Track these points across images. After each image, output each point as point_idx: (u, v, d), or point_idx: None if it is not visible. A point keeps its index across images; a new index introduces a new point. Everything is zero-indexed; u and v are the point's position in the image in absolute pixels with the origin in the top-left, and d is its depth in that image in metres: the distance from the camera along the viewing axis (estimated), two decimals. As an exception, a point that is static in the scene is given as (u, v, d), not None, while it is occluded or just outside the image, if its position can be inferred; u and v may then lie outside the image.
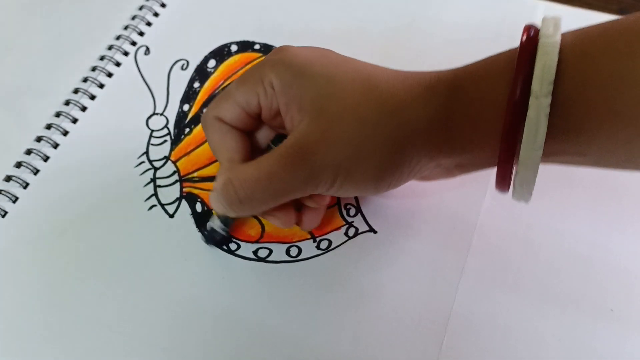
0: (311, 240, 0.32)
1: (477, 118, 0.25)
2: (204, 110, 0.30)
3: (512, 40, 0.38)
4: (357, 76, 0.27)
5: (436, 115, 0.26)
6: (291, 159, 0.26)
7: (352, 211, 0.33)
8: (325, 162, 0.26)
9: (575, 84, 0.23)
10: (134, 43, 0.40)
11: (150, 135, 0.36)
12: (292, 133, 0.27)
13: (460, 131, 0.26)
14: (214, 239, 0.32)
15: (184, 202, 0.34)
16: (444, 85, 0.26)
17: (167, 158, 0.35)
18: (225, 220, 0.31)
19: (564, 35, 0.24)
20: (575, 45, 0.24)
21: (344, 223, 0.32)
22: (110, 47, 0.40)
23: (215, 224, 0.31)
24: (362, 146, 0.26)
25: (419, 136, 0.26)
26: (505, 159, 0.25)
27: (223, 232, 0.31)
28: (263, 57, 0.39)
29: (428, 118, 0.26)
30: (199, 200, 0.34)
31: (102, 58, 0.39)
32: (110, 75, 0.39)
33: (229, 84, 0.30)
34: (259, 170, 0.26)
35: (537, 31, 0.25)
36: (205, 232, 0.32)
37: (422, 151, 0.27)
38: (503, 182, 0.26)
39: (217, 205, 0.28)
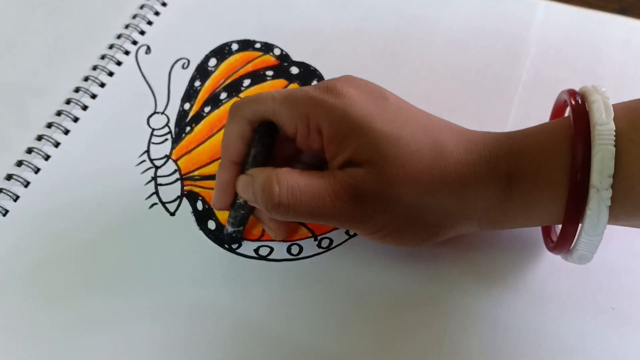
0: (312, 239, 0.32)
1: (534, 204, 0.26)
2: (240, 100, 0.30)
3: (512, 39, 0.38)
4: (424, 140, 0.26)
5: (495, 201, 0.26)
6: (344, 193, 0.26)
7: (353, 210, 0.33)
8: (377, 214, 0.26)
9: (635, 172, 0.23)
10: (135, 42, 0.40)
11: (151, 134, 0.36)
12: (345, 170, 0.26)
13: (517, 216, 0.27)
14: (234, 240, 0.32)
15: (185, 201, 0.34)
16: (502, 165, 0.26)
17: (168, 157, 0.35)
18: (241, 220, 0.31)
19: (615, 118, 0.24)
20: (630, 131, 0.24)
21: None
22: (111, 46, 0.40)
23: (229, 229, 0.31)
24: (419, 213, 0.26)
25: (475, 214, 0.27)
26: (563, 243, 0.26)
27: (239, 235, 0.31)
28: (263, 56, 0.39)
29: (487, 201, 0.26)
30: (199, 198, 0.34)
31: (103, 57, 0.39)
32: (111, 74, 0.39)
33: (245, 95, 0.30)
34: (309, 186, 0.26)
35: (583, 106, 0.25)
36: (225, 239, 0.32)
37: (474, 225, 0.27)
38: (561, 250, 0.27)
39: (246, 192, 0.28)
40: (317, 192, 0.26)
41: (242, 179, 0.28)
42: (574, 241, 0.26)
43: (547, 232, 0.30)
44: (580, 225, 0.25)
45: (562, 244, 0.26)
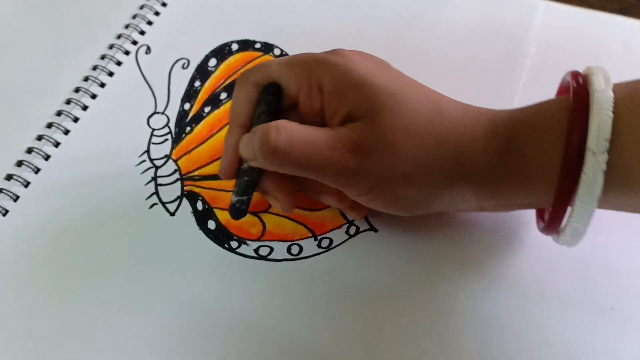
0: (312, 239, 0.32)
1: (531, 170, 0.26)
2: (248, 69, 0.30)
3: (512, 39, 0.38)
4: (422, 96, 0.27)
5: (491, 162, 0.26)
6: (341, 145, 0.26)
7: (353, 210, 0.33)
8: (373, 168, 0.26)
9: (631, 139, 0.23)
10: (135, 42, 0.40)
11: (151, 134, 0.36)
12: (346, 125, 0.26)
13: (513, 180, 0.26)
14: (238, 212, 0.30)
15: (185, 201, 0.34)
16: (501, 132, 0.26)
17: (168, 157, 0.35)
18: (245, 189, 0.29)
19: (614, 90, 0.24)
20: (629, 101, 0.24)
21: (345, 221, 0.32)
22: (111, 46, 0.40)
23: (233, 199, 0.29)
24: (414, 168, 0.26)
25: (471, 175, 0.26)
26: (557, 212, 0.26)
27: (243, 206, 0.29)
28: (263, 56, 0.39)
29: (483, 162, 0.26)
30: (199, 198, 0.34)
31: (103, 57, 0.39)
32: (111, 74, 0.39)
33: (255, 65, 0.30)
34: (308, 136, 0.26)
35: (584, 81, 0.25)
36: (230, 211, 0.30)
37: (470, 189, 0.27)
38: (551, 230, 0.27)
39: (247, 148, 0.28)
40: (315, 142, 0.26)
41: (245, 137, 0.28)
42: (567, 217, 0.26)
43: (540, 214, 0.30)
44: (570, 207, 0.25)
45: (555, 215, 0.26)
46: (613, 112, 0.24)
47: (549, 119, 0.25)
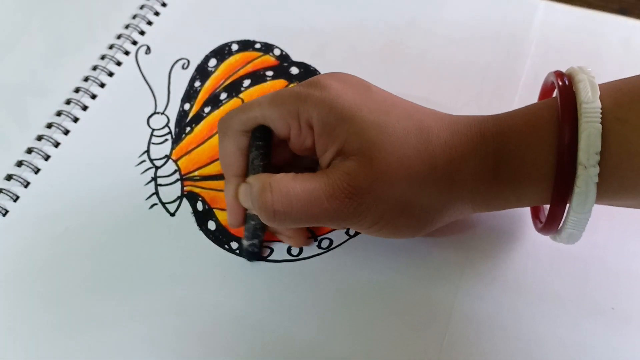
0: (312, 239, 0.32)
1: (523, 183, 0.26)
2: (227, 114, 0.30)
3: (512, 39, 0.38)
4: (409, 125, 0.26)
5: (484, 179, 0.26)
6: (339, 192, 0.26)
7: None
8: (372, 208, 0.26)
9: (621, 149, 0.24)
10: (134, 42, 0.40)
11: (151, 134, 0.36)
12: (336, 167, 0.26)
13: (506, 193, 0.27)
14: (252, 255, 0.31)
15: (185, 201, 0.34)
16: (490, 149, 0.26)
17: (168, 157, 0.35)
18: (253, 233, 0.30)
19: (601, 97, 0.24)
20: (616, 109, 0.24)
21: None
22: (111, 46, 0.40)
23: (244, 243, 0.31)
24: (411, 200, 0.26)
25: (466, 195, 0.27)
26: (552, 219, 0.26)
27: (255, 249, 0.31)
28: (263, 57, 0.39)
29: (477, 182, 0.26)
30: (200, 198, 0.34)
31: (103, 57, 0.39)
32: (111, 74, 0.39)
33: (248, 101, 0.30)
34: (304, 190, 0.26)
35: (570, 85, 0.25)
36: (243, 253, 0.32)
37: (466, 205, 0.27)
38: (548, 232, 0.27)
39: (246, 200, 0.28)
40: (313, 196, 0.26)
41: (242, 188, 0.29)
42: (562, 220, 0.26)
43: (535, 213, 0.30)
44: (568, 205, 0.25)
45: (550, 222, 0.26)
46: (601, 124, 0.24)
47: (538, 130, 0.25)
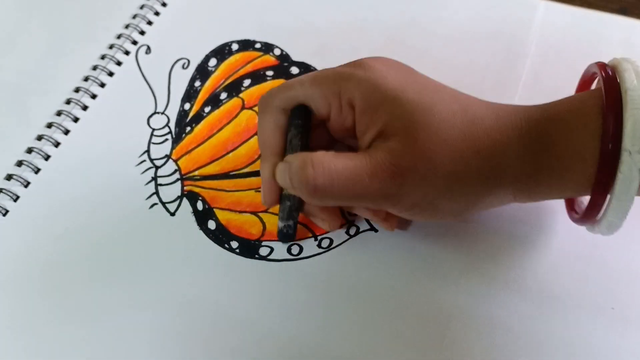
0: (312, 239, 0.32)
1: (567, 170, 0.26)
2: (267, 92, 0.29)
3: (512, 39, 0.38)
4: (455, 108, 0.26)
5: (527, 166, 0.26)
6: (382, 171, 0.25)
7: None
8: (414, 188, 0.26)
9: None
10: (135, 42, 0.40)
11: (152, 134, 0.36)
12: (379, 146, 0.26)
13: (549, 181, 0.26)
14: (285, 237, 0.31)
15: (185, 201, 0.34)
16: (534, 134, 0.26)
17: (168, 157, 0.35)
18: (289, 214, 0.30)
19: None
20: None
21: (345, 221, 0.32)
22: (111, 46, 0.40)
23: (279, 224, 0.31)
24: (454, 182, 0.26)
25: (509, 180, 0.27)
26: (594, 207, 0.26)
27: (290, 230, 0.31)
28: (263, 56, 0.39)
29: (519, 167, 0.26)
30: (200, 198, 0.34)
31: (103, 57, 0.39)
32: (111, 74, 0.39)
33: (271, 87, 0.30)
34: (345, 167, 0.26)
35: (613, 75, 0.25)
36: (278, 235, 0.31)
37: (508, 192, 0.27)
38: (587, 222, 0.27)
39: (284, 178, 0.27)
40: (354, 174, 0.26)
41: (280, 166, 0.28)
42: (603, 209, 0.26)
43: (570, 205, 0.30)
44: (609, 195, 0.25)
45: (591, 210, 0.26)
46: None
47: (582, 117, 0.25)
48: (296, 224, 0.31)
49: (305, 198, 0.27)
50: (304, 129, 0.29)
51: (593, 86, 0.29)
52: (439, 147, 0.25)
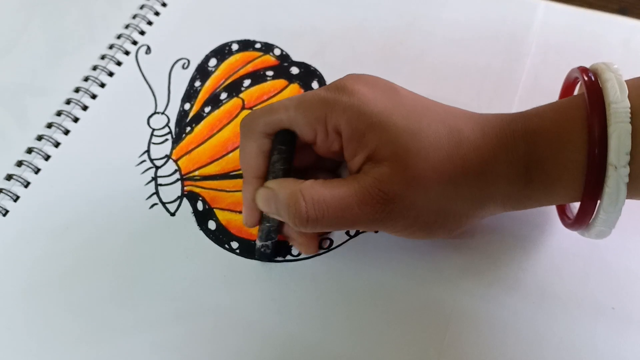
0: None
1: (554, 183, 0.26)
2: (250, 114, 0.29)
3: (512, 39, 0.38)
4: (441, 129, 0.26)
5: (516, 180, 0.26)
6: (370, 199, 0.26)
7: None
8: (404, 213, 0.26)
9: None
10: (135, 42, 0.40)
11: (152, 134, 0.36)
12: (368, 172, 0.26)
13: (537, 194, 0.27)
14: (263, 256, 0.31)
15: (185, 201, 0.34)
16: (521, 147, 0.26)
17: (168, 157, 0.35)
18: (267, 235, 0.30)
19: (630, 96, 0.24)
20: None
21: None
22: (111, 46, 0.40)
23: (257, 243, 0.31)
24: (445, 204, 0.26)
25: (499, 195, 0.27)
26: (582, 217, 0.26)
27: (268, 250, 0.31)
28: (263, 57, 0.39)
29: (508, 180, 0.26)
30: (200, 198, 0.34)
31: (103, 57, 0.39)
32: (111, 74, 0.39)
33: (266, 103, 0.30)
34: (334, 196, 0.26)
35: (596, 83, 0.25)
36: (256, 254, 0.31)
37: (498, 206, 0.27)
38: (577, 228, 0.27)
39: (267, 204, 0.28)
40: (344, 202, 0.26)
41: (262, 192, 0.28)
42: (592, 217, 0.26)
43: (562, 209, 0.30)
44: (598, 202, 0.25)
45: (580, 220, 0.27)
46: (631, 123, 0.24)
47: (567, 133, 0.25)
48: (274, 244, 0.31)
49: (294, 227, 0.27)
50: (288, 154, 0.29)
51: (576, 90, 0.30)
52: (427, 172, 0.26)
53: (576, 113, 0.25)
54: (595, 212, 0.26)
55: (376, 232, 0.32)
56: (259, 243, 0.30)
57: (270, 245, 0.30)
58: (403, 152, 0.26)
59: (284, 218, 0.27)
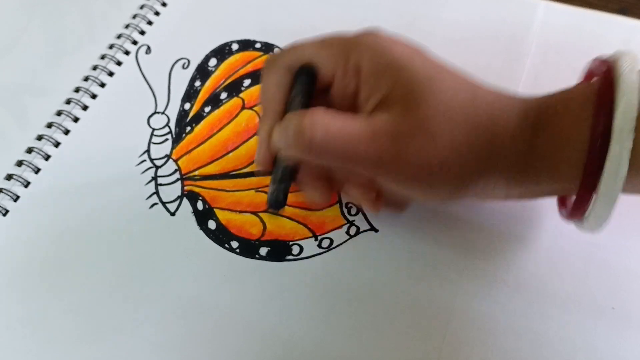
0: (312, 239, 0.32)
1: (558, 155, 0.26)
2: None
3: (512, 39, 0.38)
4: (459, 81, 0.27)
5: (522, 147, 0.26)
6: (380, 136, 0.25)
7: (354, 210, 0.33)
8: (411, 158, 0.26)
9: None
10: (135, 42, 0.40)
11: (152, 134, 0.36)
12: (380, 112, 0.26)
13: (541, 166, 0.26)
14: (276, 203, 0.29)
15: (185, 201, 0.34)
16: (531, 119, 0.26)
17: (168, 156, 0.35)
18: (282, 176, 0.28)
19: None
20: None
21: (346, 222, 0.33)
22: (111, 46, 0.40)
23: (270, 187, 0.28)
24: (451, 155, 0.26)
25: (503, 161, 0.26)
26: (583, 196, 0.26)
27: (281, 195, 0.28)
28: (263, 56, 0.39)
29: (514, 147, 0.26)
30: (200, 198, 0.34)
31: (103, 57, 0.39)
32: (111, 74, 0.39)
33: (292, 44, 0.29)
34: (344, 126, 0.26)
35: (610, 67, 0.25)
36: (267, 204, 0.29)
37: (501, 176, 0.27)
38: (575, 215, 0.27)
39: (281, 137, 0.27)
40: (353, 134, 0.25)
41: (277, 126, 0.27)
42: (591, 203, 0.26)
43: (562, 201, 0.29)
44: (595, 194, 0.25)
45: (581, 199, 0.26)
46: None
47: (576, 103, 0.25)
48: (288, 189, 0.29)
49: (300, 153, 0.26)
50: (308, 88, 0.28)
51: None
52: (439, 118, 0.25)
53: (588, 88, 0.26)
54: (593, 200, 0.25)
55: (376, 231, 0.32)
56: (272, 187, 0.28)
57: (284, 189, 0.28)
58: (417, 95, 0.26)
59: (291, 144, 0.26)
